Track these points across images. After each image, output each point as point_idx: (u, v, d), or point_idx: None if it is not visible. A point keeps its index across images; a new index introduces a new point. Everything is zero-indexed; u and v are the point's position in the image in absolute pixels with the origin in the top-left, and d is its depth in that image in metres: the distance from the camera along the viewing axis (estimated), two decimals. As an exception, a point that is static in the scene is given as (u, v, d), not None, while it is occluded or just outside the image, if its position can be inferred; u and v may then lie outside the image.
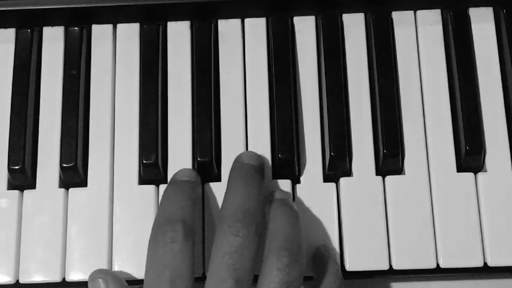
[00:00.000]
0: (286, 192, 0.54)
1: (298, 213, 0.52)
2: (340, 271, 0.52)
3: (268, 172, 0.56)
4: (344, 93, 0.57)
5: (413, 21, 0.59)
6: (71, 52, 0.59)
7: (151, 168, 0.56)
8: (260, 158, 0.54)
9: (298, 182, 0.56)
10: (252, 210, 0.50)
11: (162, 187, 0.55)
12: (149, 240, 0.50)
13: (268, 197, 0.53)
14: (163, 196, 0.53)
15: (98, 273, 0.52)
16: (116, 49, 0.59)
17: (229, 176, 0.53)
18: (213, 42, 0.59)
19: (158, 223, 0.50)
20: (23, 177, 0.56)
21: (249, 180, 0.52)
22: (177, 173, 0.54)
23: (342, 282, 0.52)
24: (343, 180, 0.56)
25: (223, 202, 0.52)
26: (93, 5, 0.58)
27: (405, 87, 0.58)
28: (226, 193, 0.52)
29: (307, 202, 0.55)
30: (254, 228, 0.49)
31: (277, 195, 0.53)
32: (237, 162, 0.54)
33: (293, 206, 0.52)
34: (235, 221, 0.49)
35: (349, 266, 0.54)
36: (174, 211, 0.51)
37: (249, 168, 0.53)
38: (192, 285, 0.49)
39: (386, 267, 0.54)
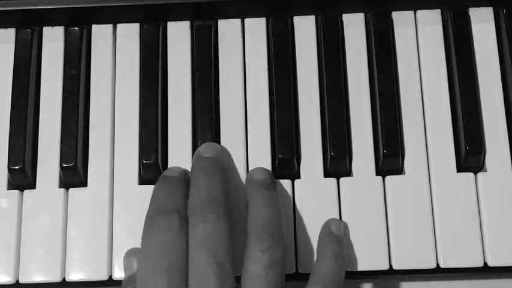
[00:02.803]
0: (265, 171, 0.54)
1: (277, 193, 0.52)
2: (339, 254, 0.52)
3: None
4: (344, 93, 0.57)
5: (414, 21, 0.59)
6: (71, 52, 0.59)
7: (151, 168, 0.56)
8: (220, 149, 0.54)
9: (299, 178, 0.56)
10: (216, 197, 0.50)
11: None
12: (142, 234, 0.50)
13: (248, 178, 0.54)
14: (153, 192, 0.52)
15: (134, 252, 0.52)
16: (116, 49, 0.59)
17: (191, 170, 0.53)
18: (213, 42, 0.59)
19: (151, 215, 0.50)
20: (23, 177, 0.56)
21: (209, 171, 0.52)
22: (165, 170, 0.54)
23: (341, 265, 0.51)
24: (343, 180, 0.56)
25: (189, 197, 0.51)
26: (93, 5, 0.58)
27: (405, 87, 0.58)
28: (190, 186, 0.52)
29: (307, 199, 0.55)
30: (223, 211, 0.49)
31: (255, 176, 0.53)
32: (196, 156, 0.54)
33: (271, 186, 0.52)
34: (201, 209, 0.49)
35: (349, 266, 0.54)
36: (166, 202, 0.51)
37: (208, 161, 0.53)
38: (187, 273, 0.48)
39: (386, 267, 0.54)
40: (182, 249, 0.49)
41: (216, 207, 0.49)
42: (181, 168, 0.54)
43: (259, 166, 0.55)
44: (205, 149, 0.54)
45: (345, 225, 0.54)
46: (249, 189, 0.53)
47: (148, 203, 0.54)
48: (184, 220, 0.50)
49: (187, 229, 0.49)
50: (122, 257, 0.54)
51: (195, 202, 0.50)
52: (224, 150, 0.55)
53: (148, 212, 0.51)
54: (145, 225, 0.50)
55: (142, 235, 0.50)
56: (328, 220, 0.54)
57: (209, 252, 0.48)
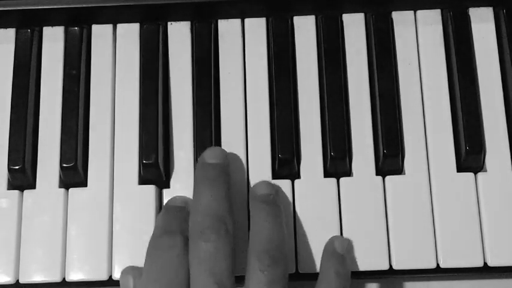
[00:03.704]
0: (269, 185, 0.54)
1: (280, 209, 0.52)
2: (342, 271, 0.52)
3: (268, 172, 0.56)
4: (344, 93, 0.57)
5: (414, 21, 0.59)
6: (71, 52, 0.59)
7: (151, 168, 0.56)
8: (224, 155, 0.54)
9: (299, 178, 0.56)
10: (219, 213, 0.50)
11: (165, 191, 0.56)
12: (146, 253, 0.51)
13: (251, 193, 0.54)
14: (157, 218, 0.53)
15: (130, 270, 0.52)
16: (116, 49, 0.59)
17: (194, 178, 0.53)
18: (213, 42, 0.59)
19: (156, 235, 0.51)
20: (23, 177, 0.56)
21: (213, 182, 0.52)
22: (169, 200, 0.54)
23: (343, 282, 0.51)
24: (343, 180, 0.56)
25: (190, 208, 0.52)
26: (93, 5, 0.58)
27: (405, 87, 0.58)
28: (193, 198, 0.52)
29: (307, 199, 0.55)
30: (224, 230, 0.49)
31: (258, 191, 0.53)
32: (200, 162, 0.53)
33: (274, 202, 0.52)
34: (204, 227, 0.49)
35: (349, 266, 0.54)
36: (171, 225, 0.51)
37: (213, 168, 0.53)
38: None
39: (386, 267, 0.54)
40: (184, 268, 0.49)
41: (218, 225, 0.49)
42: (184, 197, 0.54)
43: (263, 180, 0.55)
44: (210, 154, 0.53)
45: (349, 243, 0.54)
46: (252, 204, 0.53)
47: (148, 203, 0.55)
48: (188, 241, 0.50)
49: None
50: (122, 257, 0.54)
51: (198, 218, 0.50)
52: (226, 155, 0.55)
53: (152, 235, 0.52)
54: (150, 243, 0.51)
55: (146, 254, 0.51)
56: (332, 238, 0.54)
57: (210, 272, 0.48)
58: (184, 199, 0.54)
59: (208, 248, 0.49)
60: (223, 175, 0.52)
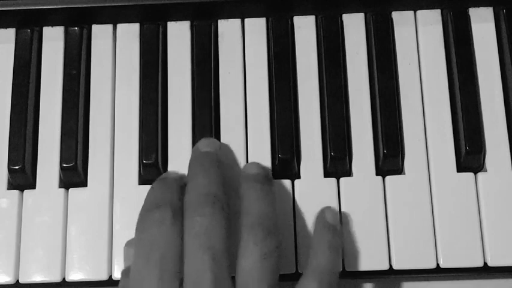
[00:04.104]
0: (259, 166, 0.54)
1: (271, 187, 0.52)
2: (335, 244, 0.51)
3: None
4: (344, 93, 0.57)
5: (413, 21, 0.59)
6: (71, 52, 0.59)
7: (151, 168, 0.56)
8: (217, 145, 0.54)
9: (299, 178, 0.56)
10: (213, 191, 0.50)
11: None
12: (136, 227, 0.50)
13: (242, 174, 0.54)
14: (149, 190, 0.52)
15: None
16: (116, 49, 0.59)
17: (188, 166, 0.53)
18: (213, 42, 0.59)
19: (145, 209, 0.50)
20: (23, 177, 0.56)
21: (207, 167, 0.52)
22: (163, 173, 0.54)
23: (337, 255, 0.51)
24: (343, 180, 0.56)
25: (186, 189, 0.51)
26: (93, 5, 0.58)
27: (405, 87, 0.58)
28: (188, 182, 0.52)
29: (307, 199, 0.55)
30: (219, 206, 0.49)
31: (250, 171, 0.53)
32: (194, 151, 0.54)
33: (265, 181, 0.52)
34: (198, 203, 0.49)
35: (349, 267, 0.54)
36: (161, 197, 0.50)
37: (206, 156, 0.53)
38: (181, 265, 0.48)
39: (386, 267, 0.54)
40: (175, 241, 0.48)
41: (213, 202, 0.49)
42: (176, 173, 0.54)
43: (254, 161, 0.55)
44: (204, 143, 0.54)
45: (344, 216, 0.54)
46: (243, 184, 0.52)
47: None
48: (178, 214, 0.49)
49: (181, 223, 0.49)
50: (122, 257, 0.54)
51: (192, 197, 0.50)
52: (221, 147, 0.55)
53: (142, 207, 0.51)
54: (138, 218, 0.50)
55: (136, 228, 0.50)
56: (323, 209, 0.53)
57: (205, 247, 0.47)
58: (176, 174, 0.54)
59: (203, 221, 0.48)
60: (216, 162, 0.53)
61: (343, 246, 0.53)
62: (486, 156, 0.56)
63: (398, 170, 0.56)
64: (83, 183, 0.56)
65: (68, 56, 0.59)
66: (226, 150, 0.56)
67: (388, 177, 0.56)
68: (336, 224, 0.52)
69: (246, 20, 0.60)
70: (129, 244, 0.52)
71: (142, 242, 0.49)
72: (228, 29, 0.59)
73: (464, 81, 0.57)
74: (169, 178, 0.53)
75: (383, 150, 0.55)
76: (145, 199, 0.52)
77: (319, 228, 0.52)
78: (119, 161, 0.57)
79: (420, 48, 0.59)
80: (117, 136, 0.57)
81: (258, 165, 0.54)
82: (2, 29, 0.60)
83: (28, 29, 0.59)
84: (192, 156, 0.54)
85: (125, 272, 0.51)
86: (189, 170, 0.53)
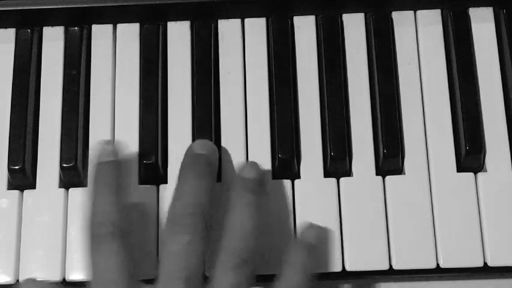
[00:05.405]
0: (254, 170, 0.53)
1: (262, 200, 0.51)
2: (309, 265, 0.51)
3: (268, 172, 0.56)
4: (344, 93, 0.57)
5: (413, 21, 0.59)
6: (71, 52, 0.59)
7: (151, 168, 0.56)
8: (213, 148, 0.53)
9: (299, 178, 0.56)
10: (200, 206, 0.50)
11: (162, 187, 0.55)
12: (86, 245, 0.50)
13: (236, 175, 0.53)
14: (91, 185, 0.52)
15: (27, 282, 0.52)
16: (116, 49, 0.59)
17: (180, 167, 0.53)
18: (213, 42, 0.59)
19: (87, 227, 0.50)
20: (23, 177, 0.56)
21: (199, 172, 0.51)
22: (98, 151, 0.53)
23: (308, 278, 0.50)
24: (343, 180, 0.56)
25: (172, 197, 0.51)
26: (93, 5, 0.58)
27: (405, 87, 0.58)
28: (176, 187, 0.51)
29: (307, 199, 0.55)
30: (202, 226, 0.49)
31: (244, 173, 0.52)
32: (188, 152, 0.53)
33: (257, 189, 0.51)
34: (182, 219, 0.49)
35: (349, 266, 0.54)
36: (100, 213, 0.50)
37: (200, 159, 0.52)
38: (132, 283, 0.48)
39: (386, 267, 0.54)
40: (121, 259, 0.48)
41: (196, 220, 0.49)
42: (109, 149, 0.53)
43: (252, 161, 0.54)
44: (198, 145, 0.53)
45: (324, 231, 0.53)
46: (234, 188, 0.52)
47: (148, 203, 0.54)
48: (119, 230, 0.49)
49: (125, 236, 0.49)
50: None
51: (177, 208, 0.50)
52: (216, 150, 0.54)
53: (85, 221, 0.51)
54: (85, 236, 0.50)
55: (86, 246, 0.50)
56: (305, 227, 0.53)
57: (181, 266, 0.48)
58: (110, 151, 0.52)
59: (183, 240, 0.48)
60: (210, 167, 0.52)
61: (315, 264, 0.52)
62: (486, 156, 0.56)
63: (399, 170, 0.56)
64: (83, 183, 0.56)
65: (68, 56, 0.59)
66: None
67: (388, 177, 0.55)
68: (315, 243, 0.52)
69: (246, 20, 0.60)
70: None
71: (91, 263, 0.49)
72: (228, 29, 0.59)
73: (464, 81, 0.57)
74: (106, 176, 0.52)
75: (383, 150, 0.55)
76: (89, 210, 0.51)
77: (297, 245, 0.51)
78: (118, 161, 0.57)
79: (420, 48, 0.59)
80: (117, 136, 0.57)
81: (254, 168, 0.53)
82: (2, 29, 0.60)
83: (28, 29, 0.59)
84: (185, 156, 0.53)
85: None
86: (180, 172, 0.52)
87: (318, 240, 0.52)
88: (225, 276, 0.48)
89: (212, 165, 0.53)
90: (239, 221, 0.50)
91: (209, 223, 0.50)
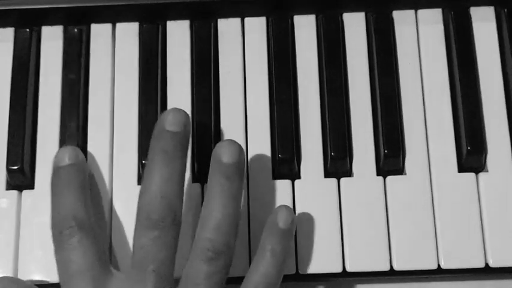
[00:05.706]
0: (234, 153, 0.49)
1: (240, 186, 0.49)
2: (280, 250, 0.49)
3: (268, 172, 0.56)
4: (344, 93, 0.57)
5: (414, 20, 0.59)
6: (70, 51, 0.59)
7: (151, 168, 0.56)
8: (187, 122, 0.50)
9: (299, 178, 0.56)
10: (169, 199, 0.48)
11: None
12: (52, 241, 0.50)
13: (213, 156, 0.50)
14: (51, 190, 0.52)
15: (2, 280, 0.51)
16: (115, 49, 0.59)
17: (149, 149, 0.50)
18: (213, 41, 0.59)
19: (53, 224, 0.50)
20: (21, 178, 0.56)
21: (169, 157, 0.49)
22: (55, 157, 0.53)
23: (279, 264, 0.49)
24: (343, 181, 0.55)
25: (140, 187, 0.50)
26: (93, 5, 0.58)
27: (406, 86, 0.57)
28: (145, 172, 0.50)
29: (307, 199, 0.55)
30: (171, 218, 0.48)
31: (223, 156, 0.49)
32: (158, 128, 0.50)
33: (235, 175, 0.49)
34: (151, 211, 0.48)
35: (350, 267, 0.54)
36: (63, 208, 0.50)
37: (171, 137, 0.49)
38: (99, 275, 0.48)
39: (387, 268, 0.54)
40: (88, 252, 0.48)
41: (166, 214, 0.48)
42: (71, 149, 0.53)
43: (230, 139, 0.51)
44: (170, 120, 0.49)
45: (293, 218, 0.51)
46: (212, 170, 0.50)
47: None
48: (83, 224, 0.49)
49: (91, 229, 0.49)
50: (122, 257, 0.54)
51: (145, 199, 0.49)
52: (189, 122, 0.50)
53: (51, 217, 0.51)
54: (51, 232, 0.50)
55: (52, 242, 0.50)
56: (276, 209, 0.51)
57: (151, 259, 0.47)
58: (71, 152, 0.52)
59: (153, 234, 0.48)
60: (181, 148, 0.49)
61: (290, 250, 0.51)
62: (487, 157, 0.56)
63: (399, 170, 0.56)
64: (82, 184, 0.56)
65: (67, 55, 0.59)
66: None
67: (388, 178, 0.55)
68: (288, 227, 0.50)
69: (246, 19, 0.59)
70: None
71: (58, 258, 0.49)
72: (228, 28, 0.59)
73: (465, 81, 0.57)
74: (67, 170, 0.51)
75: (384, 150, 0.55)
76: (51, 205, 0.51)
77: (268, 230, 0.50)
78: (118, 161, 0.56)
79: (421, 48, 0.58)
80: (117, 136, 0.57)
81: (233, 150, 0.49)
82: (1, 29, 0.60)
83: (27, 28, 0.59)
84: (154, 131, 0.50)
85: None
86: (149, 155, 0.50)
87: (288, 224, 0.50)
88: (198, 268, 0.48)
89: (185, 144, 0.49)
90: (213, 210, 0.48)
91: (180, 214, 0.49)
